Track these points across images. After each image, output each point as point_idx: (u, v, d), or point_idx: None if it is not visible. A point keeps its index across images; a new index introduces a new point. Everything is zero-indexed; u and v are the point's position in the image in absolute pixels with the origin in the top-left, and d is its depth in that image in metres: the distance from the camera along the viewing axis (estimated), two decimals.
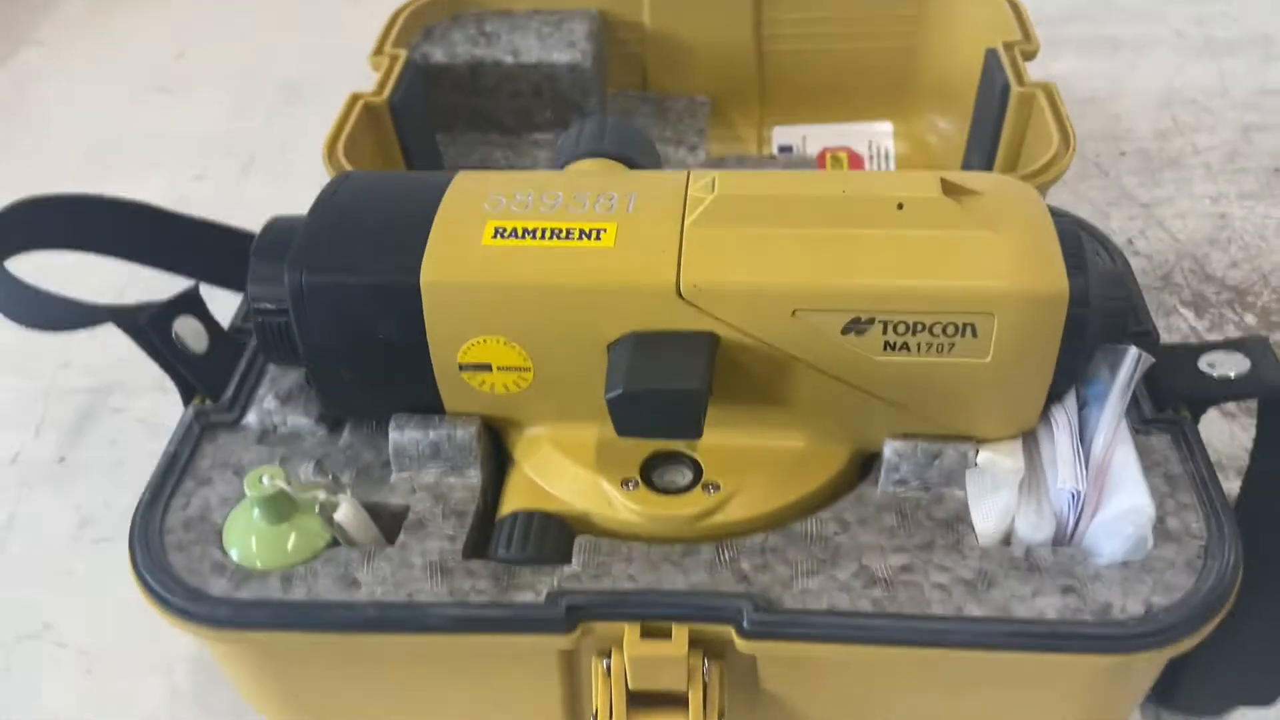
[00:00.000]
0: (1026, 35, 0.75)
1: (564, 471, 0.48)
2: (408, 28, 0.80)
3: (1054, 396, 0.47)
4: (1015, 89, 0.69)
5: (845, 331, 0.44)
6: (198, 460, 0.50)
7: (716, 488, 0.46)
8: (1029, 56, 0.74)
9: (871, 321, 0.44)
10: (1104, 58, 1.02)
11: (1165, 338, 0.54)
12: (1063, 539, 0.45)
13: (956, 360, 0.44)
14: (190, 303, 0.54)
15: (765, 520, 0.46)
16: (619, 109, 0.88)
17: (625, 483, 0.47)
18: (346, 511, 0.46)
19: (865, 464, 0.49)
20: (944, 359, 0.44)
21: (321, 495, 0.46)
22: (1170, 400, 0.49)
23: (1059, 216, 0.46)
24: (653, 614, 0.43)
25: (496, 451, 0.50)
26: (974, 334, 0.43)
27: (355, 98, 0.72)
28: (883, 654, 0.42)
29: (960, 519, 0.46)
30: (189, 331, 0.53)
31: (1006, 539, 0.45)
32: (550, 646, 0.43)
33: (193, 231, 0.61)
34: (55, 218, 0.58)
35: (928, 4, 0.82)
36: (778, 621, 0.42)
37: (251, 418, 0.51)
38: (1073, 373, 0.46)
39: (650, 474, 0.47)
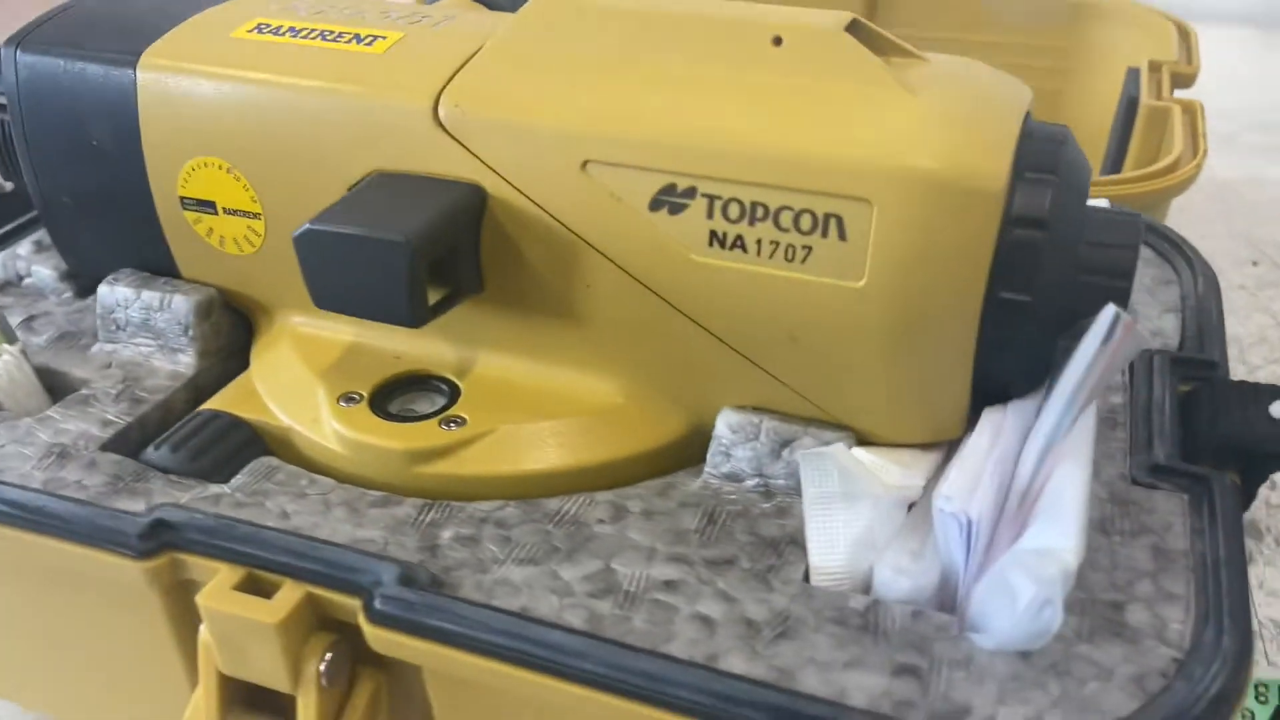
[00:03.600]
0: (1186, 57, 0.57)
1: (285, 374, 0.34)
2: None
3: (995, 393, 0.29)
4: (1146, 102, 0.52)
5: (655, 207, 0.29)
6: None
7: (459, 423, 0.31)
8: (1186, 81, 0.56)
9: (691, 194, 0.28)
10: None
11: None
12: (951, 604, 0.27)
13: (814, 278, 0.28)
14: None
15: (512, 484, 0.31)
16: None
17: (344, 398, 0.33)
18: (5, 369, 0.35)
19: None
20: (795, 272, 0.28)
21: None
22: (1209, 450, 0.30)
23: (1049, 130, 0.29)
24: (267, 562, 0.28)
25: (246, 345, 0.37)
26: (841, 234, 0.27)
27: None
28: (575, 695, 0.25)
29: (795, 542, 0.29)
30: None
31: (866, 587, 0.28)
32: (132, 575, 0.29)
33: None
34: None
35: (1080, 28, 0.66)
36: (419, 605, 0.26)
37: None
38: (1025, 351, 0.28)
39: (388, 397, 0.33)
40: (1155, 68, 0.56)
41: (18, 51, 0.35)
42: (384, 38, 0.33)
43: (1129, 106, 0.54)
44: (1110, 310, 0.26)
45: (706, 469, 0.31)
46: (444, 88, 0.30)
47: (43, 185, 0.37)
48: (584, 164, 0.29)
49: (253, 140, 0.33)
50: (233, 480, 0.31)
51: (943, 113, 0.27)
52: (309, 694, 0.28)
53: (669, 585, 0.27)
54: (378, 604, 0.26)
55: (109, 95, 0.34)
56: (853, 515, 0.28)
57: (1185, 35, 0.60)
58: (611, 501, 0.30)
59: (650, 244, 0.29)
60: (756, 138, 0.28)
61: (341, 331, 0.35)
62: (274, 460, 0.32)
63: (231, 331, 0.37)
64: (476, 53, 0.32)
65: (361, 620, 0.27)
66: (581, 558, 0.28)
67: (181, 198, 0.34)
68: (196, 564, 0.29)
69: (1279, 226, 0.69)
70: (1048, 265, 0.27)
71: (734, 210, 0.28)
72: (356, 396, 0.33)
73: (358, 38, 0.33)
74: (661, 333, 0.30)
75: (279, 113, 0.32)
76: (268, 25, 0.34)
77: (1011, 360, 0.28)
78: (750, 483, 0.30)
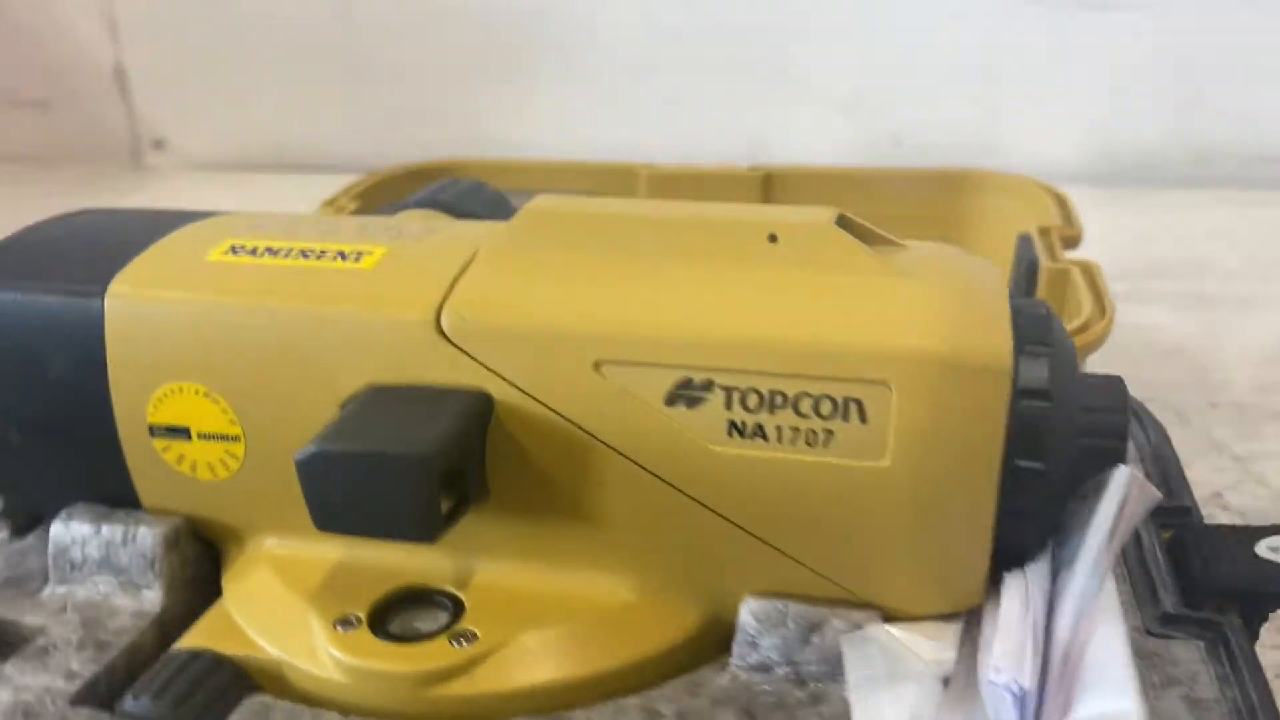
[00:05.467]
0: (1068, 220, 0.62)
1: (270, 602, 0.32)
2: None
3: (1012, 558, 0.30)
4: (1046, 264, 0.56)
5: (671, 402, 0.29)
6: None
7: (471, 638, 0.30)
8: (1071, 243, 0.60)
9: (709, 387, 0.29)
10: (1196, 311, 0.88)
11: None
12: None
13: (838, 461, 0.28)
14: None
15: (533, 698, 0.29)
16: None
17: (340, 622, 0.31)
18: None
19: (728, 640, 0.32)
20: (819, 457, 0.28)
21: None
22: (1207, 596, 0.31)
23: (1024, 301, 0.31)
24: None
25: (213, 577, 0.35)
26: (861, 417, 0.28)
27: None
28: None
29: None
30: None
31: None
32: None
33: None
34: None
35: (965, 199, 0.71)
36: None
37: None
38: (1040, 516, 0.29)
39: (387, 617, 0.32)
40: (1044, 232, 0.60)
41: None
42: (369, 253, 0.33)
43: (1029, 270, 0.57)
44: (1124, 472, 0.28)
45: (733, 661, 0.30)
46: (445, 298, 0.30)
47: None
48: (597, 364, 0.29)
49: (235, 362, 0.32)
50: None
51: (941, 296, 0.29)
52: None
53: None
54: None
55: (71, 326, 0.33)
56: (897, 695, 0.28)
57: (1062, 201, 0.65)
58: (641, 706, 0.29)
59: (668, 438, 0.29)
60: (770, 329, 0.28)
61: (324, 551, 0.33)
62: (266, 698, 0.30)
63: (197, 561, 0.35)
64: (471, 262, 0.32)
65: None
66: None
67: (151, 425, 0.33)
68: None
69: (1162, 368, 0.73)
70: (1055, 432, 0.28)
71: (752, 400, 0.28)
72: (354, 620, 0.31)
73: (341, 255, 0.33)
74: (679, 525, 0.30)
75: (264, 333, 0.31)
76: (242, 247, 0.34)
77: (1028, 525, 0.29)
78: (780, 671, 0.30)
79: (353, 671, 0.30)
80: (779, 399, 0.28)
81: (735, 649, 0.30)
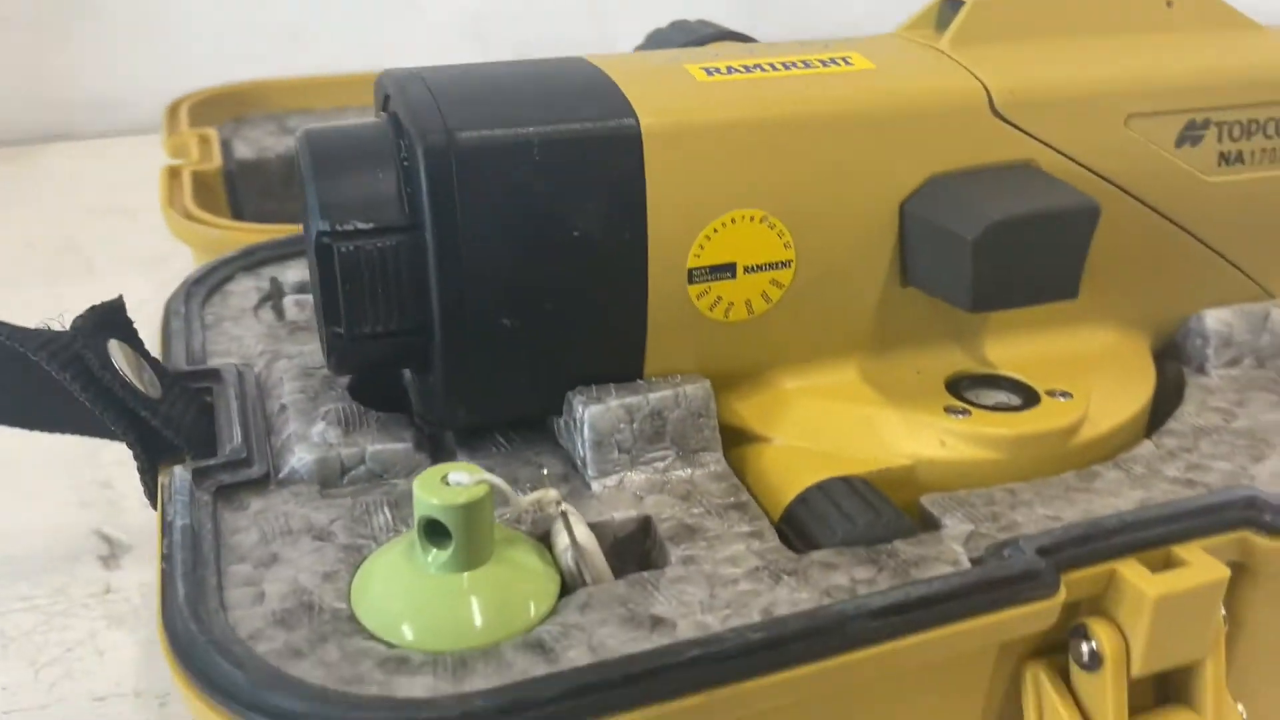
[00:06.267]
0: None
1: (853, 421, 0.31)
2: (198, 120, 0.62)
3: None
4: None
5: (1180, 143, 0.34)
6: (234, 538, 0.27)
7: (1067, 395, 0.32)
8: None
9: (1206, 125, 0.34)
10: None
11: None
12: None
13: None
14: (117, 320, 0.32)
15: (1130, 431, 0.33)
16: None
17: (950, 413, 0.31)
18: (584, 532, 0.27)
19: None
20: (1275, 170, 0.35)
21: (535, 507, 0.26)
22: None
23: None
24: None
25: None
26: None
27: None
28: None
29: None
30: (126, 364, 0.30)
31: None
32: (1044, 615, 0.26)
33: None
34: None
35: None
36: None
37: (299, 462, 0.29)
38: None
39: (969, 403, 0.32)
40: None
41: (455, 138, 0.27)
42: (850, 58, 0.32)
43: None
44: None
45: (1210, 363, 0.36)
46: (983, 82, 0.32)
47: (463, 318, 0.28)
48: (1127, 119, 0.33)
49: (798, 180, 0.30)
50: (944, 523, 0.28)
51: None
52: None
53: None
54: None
55: (604, 166, 0.28)
56: None
57: None
58: (1199, 409, 0.34)
59: (1175, 178, 0.34)
60: (1241, 71, 0.34)
61: (843, 369, 0.33)
62: (940, 495, 0.30)
63: None
64: (948, 56, 0.33)
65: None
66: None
67: (691, 270, 0.30)
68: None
69: None
70: None
71: (1236, 130, 0.34)
72: (960, 410, 0.31)
73: (827, 61, 0.32)
74: (1166, 258, 0.35)
75: (823, 142, 0.30)
76: (715, 69, 0.31)
77: None
78: (1248, 360, 0.36)
79: (1008, 445, 0.30)
80: (1254, 126, 0.34)
81: (1211, 353, 0.36)
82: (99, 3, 0.95)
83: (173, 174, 0.51)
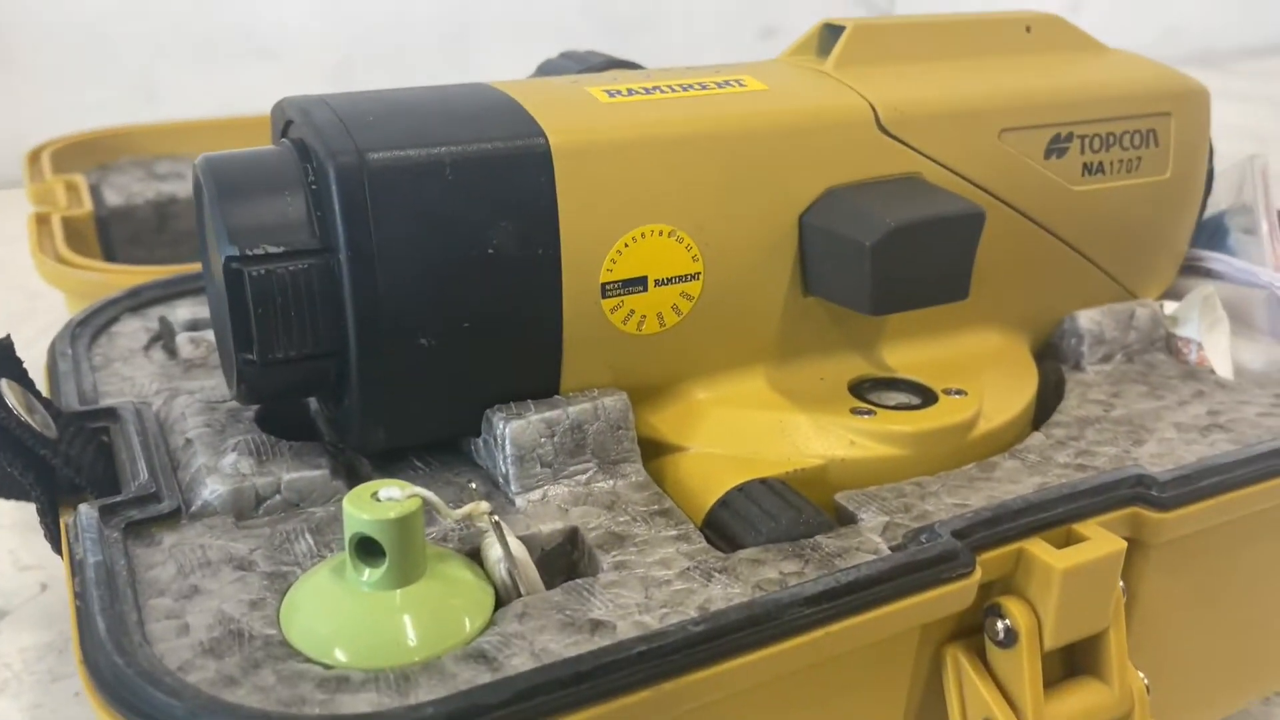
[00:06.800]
0: None
1: (765, 426, 0.32)
2: (61, 168, 0.60)
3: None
4: None
5: (1048, 155, 0.36)
6: (149, 573, 0.26)
7: (962, 392, 0.34)
8: None
9: (1070, 138, 0.36)
10: None
11: None
12: None
13: (1143, 180, 0.38)
14: (6, 360, 0.30)
15: (1021, 424, 0.35)
16: None
17: (856, 414, 0.33)
18: (516, 544, 0.27)
19: None
20: (1132, 180, 0.38)
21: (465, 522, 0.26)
22: None
23: None
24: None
25: None
26: (1155, 142, 0.38)
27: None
28: None
29: (1193, 376, 0.38)
30: (19, 403, 0.29)
31: None
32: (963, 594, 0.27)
33: None
34: None
35: None
36: (1188, 476, 0.30)
37: (211, 494, 0.29)
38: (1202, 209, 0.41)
39: (872, 403, 0.34)
40: None
41: (368, 158, 0.27)
42: (743, 80, 0.33)
43: None
44: (1253, 158, 0.41)
45: (1085, 359, 0.38)
46: (870, 101, 0.33)
47: (376, 339, 0.28)
48: (1000, 133, 0.35)
49: (698, 193, 0.31)
50: (860, 518, 0.30)
51: (1138, 58, 0.40)
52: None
53: (1212, 415, 0.35)
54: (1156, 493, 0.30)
55: (516, 185, 0.29)
56: (1222, 330, 0.38)
57: None
58: (1081, 401, 0.36)
59: (1044, 187, 0.36)
60: (1100, 89, 0.37)
61: (751, 377, 0.34)
62: (852, 493, 0.31)
63: None
64: (833, 78, 0.34)
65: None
66: (1150, 424, 0.34)
67: (604, 284, 0.30)
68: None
69: None
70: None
71: (1096, 143, 0.37)
72: (864, 410, 0.33)
73: (722, 84, 0.33)
74: (1038, 263, 0.37)
75: (727, 157, 0.31)
76: (616, 90, 0.32)
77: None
78: (1118, 357, 0.38)
79: (909, 441, 0.32)
80: (1111, 138, 0.37)
81: (1085, 350, 0.38)
82: None
83: (41, 220, 0.49)
